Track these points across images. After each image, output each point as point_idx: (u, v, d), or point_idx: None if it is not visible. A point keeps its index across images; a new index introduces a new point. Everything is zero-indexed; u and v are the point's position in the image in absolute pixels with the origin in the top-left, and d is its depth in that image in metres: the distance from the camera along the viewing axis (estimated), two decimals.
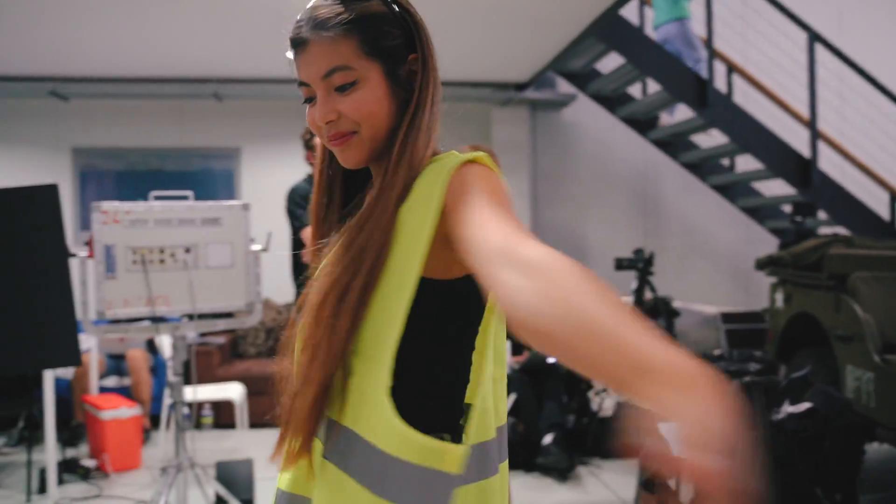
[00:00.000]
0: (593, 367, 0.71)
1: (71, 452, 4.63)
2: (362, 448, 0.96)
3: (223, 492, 3.33)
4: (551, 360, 4.61)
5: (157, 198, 3.28)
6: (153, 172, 6.43)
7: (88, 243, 3.16)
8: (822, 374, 3.85)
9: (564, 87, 6.67)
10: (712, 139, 6.31)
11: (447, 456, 0.94)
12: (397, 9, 1.03)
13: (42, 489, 4.04)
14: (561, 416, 4.38)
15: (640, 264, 4.56)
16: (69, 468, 4.32)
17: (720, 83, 6.14)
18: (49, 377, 4.05)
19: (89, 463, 4.32)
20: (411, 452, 0.93)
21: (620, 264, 4.61)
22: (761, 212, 6.58)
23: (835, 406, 2.52)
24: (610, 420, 4.46)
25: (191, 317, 3.17)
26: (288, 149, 5.62)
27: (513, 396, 4.52)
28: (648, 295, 6.27)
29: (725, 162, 6.65)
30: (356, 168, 1.06)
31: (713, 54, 5.54)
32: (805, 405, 2.52)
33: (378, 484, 0.95)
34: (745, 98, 6.32)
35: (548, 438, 4.22)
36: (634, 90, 6.57)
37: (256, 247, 3.33)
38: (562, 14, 4.49)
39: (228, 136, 6.37)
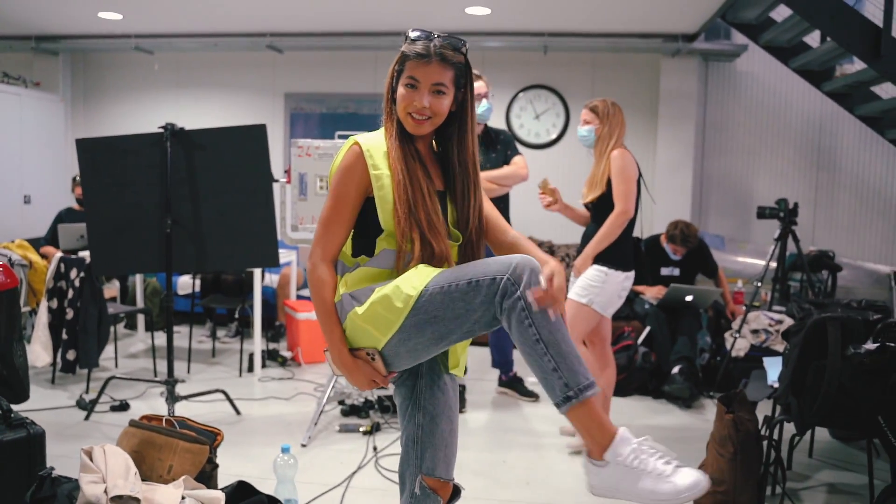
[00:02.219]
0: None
1: (273, 345, 5.66)
2: None
3: None
4: (688, 298, 4.92)
5: (341, 136, 4.01)
6: (350, 114, 7.32)
7: (287, 171, 3.96)
8: None
9: (740, 37, 6.66)
10: (895, 91, 6.08)
11: None
12: (466, 62, 1.83)
13: (250, 369, 5.07)
14: (691, 351, 4.71)
15: (782, 214, 4.69)
16: (271, 357, 5.33)
17: None
18: (258, 283, 5.03)
19: (286, 354, 5.30)
20: None
21: (762, 213, 4.77)
22: None
23: None
24: (741, 360, 4.71)
25: None
26: None
27: (647, 329, 4.91)
28: (811, 248, 6.29)
29: None
30: (419, 135, 1.83)
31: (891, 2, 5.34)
32: (877, 343, 2.75)
33: None
34: None
35: (675, 369, 4.59)
36: (813, 39, 6.43)
37: None
38: None
39: None
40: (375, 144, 1.81)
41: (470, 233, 1.86)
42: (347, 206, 1.79)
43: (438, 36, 1.78)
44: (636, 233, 3.79)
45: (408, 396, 1.89)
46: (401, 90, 1.77)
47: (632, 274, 3.63)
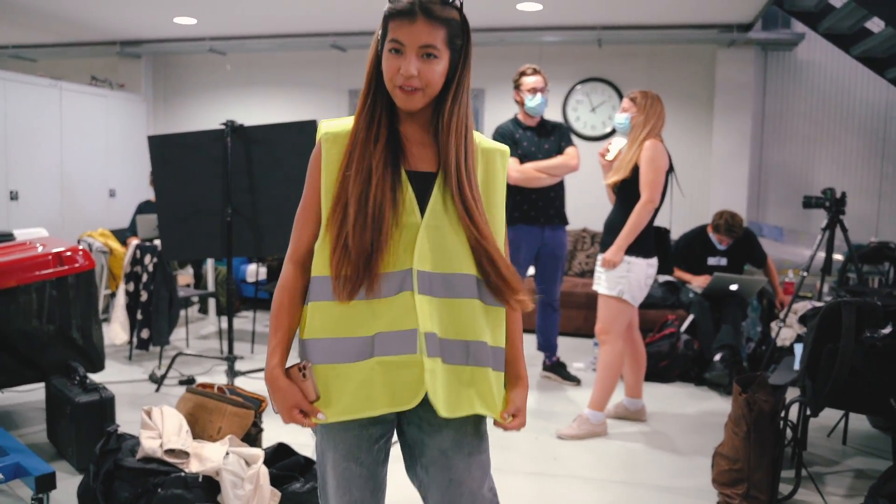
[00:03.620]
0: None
1: None
2: None
3: None
4: (733, 287, 4.96)
5: None
6: None
7: None
8: None
9: (799, 26, 6.58)
10: None
11: None
12: (461, 18, 1.51)
13: None
14: (735, 339, 4.76)
15: (828, 203, 4.68)
16: None
17: None
18: None
19: None
20: None
21: (808, 202, 4.76)
22: None
23: None
24: (785, 349, 4.73)
25: None
26: None
27: (691, 317, 4.98)
28: (872, 239, 6.18)
29: None
30: (411, 110, 1.51)
31: None
32: (890, 327, 2.79)
33: None
34: None
35: (717, 357, 4.66)
36: (877, 25, 6.30)
37: None
38: None
39: (474, 78, 7.22)
40: (339, 128, 1.54)
41: (467, 218, 1.50)
42: (310, 200, 1.56)
43: None
44: (665, 223, 3.91)
45: (405, 442, 1.62)
46: (385, 59, 1.48)
47: (654, 261, 3.75)
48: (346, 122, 1.55)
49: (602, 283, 3.77)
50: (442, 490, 1.54)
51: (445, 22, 1.46)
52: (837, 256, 5.83)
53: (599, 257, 3.82)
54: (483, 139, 1.62)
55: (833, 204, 4.68)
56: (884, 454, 3.63)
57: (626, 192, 3.74)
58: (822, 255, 6.35)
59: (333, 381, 1.48)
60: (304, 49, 7.40)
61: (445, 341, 1.48)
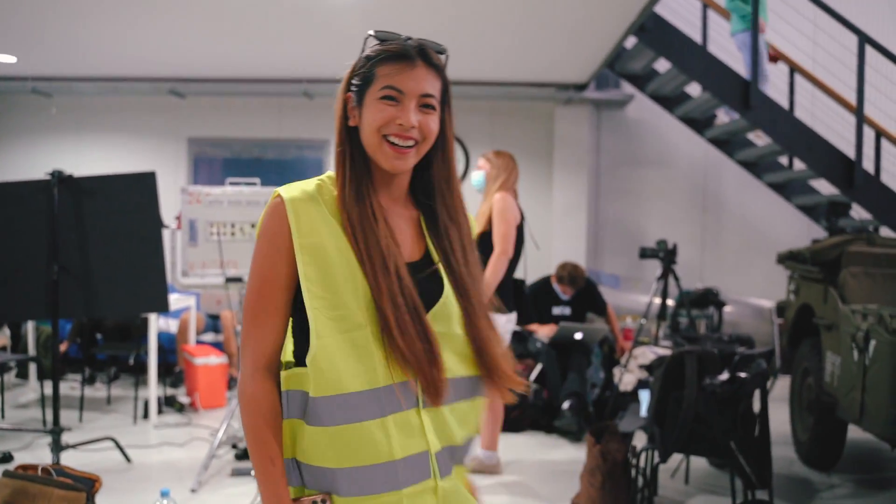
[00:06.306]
0: None
1: (172, 392, 5.59)
2: None
3: None
4: (577, 335, 5.14)
5: (231, 183, 4.08)
6: (255, 160, 7.37)
7: (178, 217, 3.99)
8: (815, 359, 4.22)
9: (629, 87, 7.07)
10: (768, 138, 6.54)
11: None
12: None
13: (145, 416, 5.00)
14: (581, 386, 4.91)
15: (662, 254, 4.99)
16: (169, 403, 5.26)
17: (782, 83, 6.40)
18: (154, 328, 4.99)
19: (184, 399, 5.25)
20: None
21: (644, 253, 5.06)
22: (818, 210, 6.75)
23: (754, 376, 2.97)
24: (628, 394, 4.94)
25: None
26: None
27: (539, 367, 5.10)
28: (698, 286, 6.64)
29: (784, 160, 6.86)
30: (399, 171, 1.31)
31: (756, 58, 5.79)
32: (727, 373, 2.98)
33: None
34: (813, 100, 6.55)
35: (566, 405, 4.77)
36: (696, 90, 6.88)
37: None
38: (598, 21, 4.96)
39: (318, 129, 7.17)
40: (307, 197, 1.28)
41: (472, 316, 1.33)
42: (276, 287, 1.27)
43: (409, 38, 1.33)
44: (520, 275, 3.99)
45: None
46: (373, 108, 1.29)
47: (513, 315, 3.80)
48: (319, 188, 1.31)
49: None
50: None
51: (441, 71, 1.32)
52: (670, 302, 6.21)
53: None
54: None
55: (666, 255, 4.99)
56: (724, 491, 3.82)
57: (483, 246, 3.78)
58: (657, 301, 6.76)
59: None
60: (139, 94, 7.05)
61: (443, 452, 1.30)
